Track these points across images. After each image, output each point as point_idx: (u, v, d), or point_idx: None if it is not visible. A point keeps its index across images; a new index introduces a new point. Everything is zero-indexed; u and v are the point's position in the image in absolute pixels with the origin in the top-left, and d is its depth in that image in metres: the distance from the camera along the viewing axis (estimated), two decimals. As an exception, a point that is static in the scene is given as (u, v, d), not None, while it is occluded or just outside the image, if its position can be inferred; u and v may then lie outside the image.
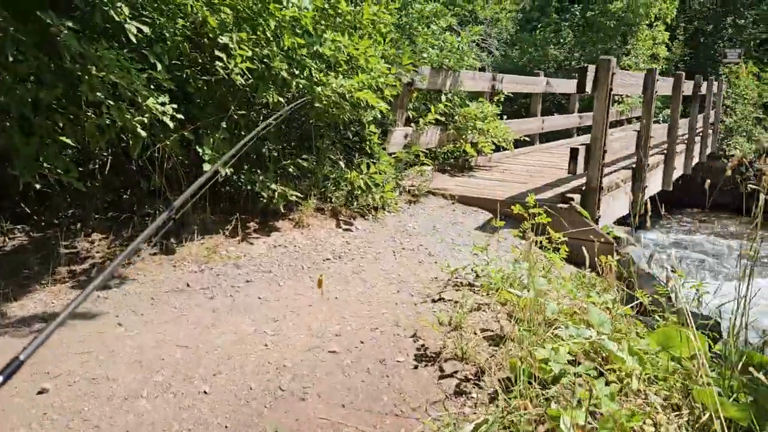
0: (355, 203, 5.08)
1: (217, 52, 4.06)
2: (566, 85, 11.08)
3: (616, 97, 14.85)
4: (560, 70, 18.00)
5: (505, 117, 8.08)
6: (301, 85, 4.51)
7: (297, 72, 4.44)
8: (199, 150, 4.17)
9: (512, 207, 4.28)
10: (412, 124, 6.43)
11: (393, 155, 5.84)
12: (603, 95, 5.29)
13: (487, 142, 7.18)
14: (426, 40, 6.62)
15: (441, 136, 6.93)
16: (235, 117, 4.42)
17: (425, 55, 6.24)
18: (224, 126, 4.38)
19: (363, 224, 4.93)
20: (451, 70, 6.88)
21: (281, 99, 4.38)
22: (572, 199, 5.28)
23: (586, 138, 12.12)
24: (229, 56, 4.10)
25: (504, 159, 8.21)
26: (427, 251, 4.44)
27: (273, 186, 4.58)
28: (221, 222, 4.58)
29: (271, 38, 4.44)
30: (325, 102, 4.69)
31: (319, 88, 4.58)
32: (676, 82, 8.90)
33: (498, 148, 7.79)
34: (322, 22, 4.88)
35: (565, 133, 11.50)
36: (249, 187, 4.59)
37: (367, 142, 5.38)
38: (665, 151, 9.16)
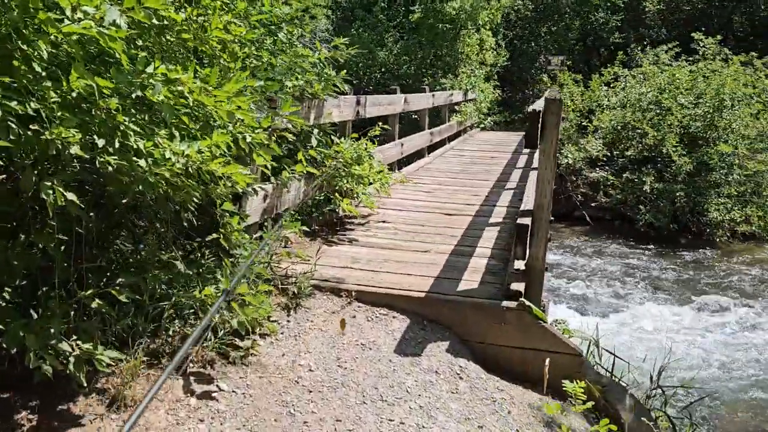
0: (212, 339, 3.12)
1: None
2: (419, 101, 9.84)
3: (456, 107, 14.04)
4: (388, 74, 16.94)
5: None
6: (111, 162, 2.46)
7: (101, 141, 2.38)
8: None
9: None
10: (272, 179, 4.54)
11: (256, 234, 3.94)
12: (551, 148, 3.88)
13: (365, 191, 5.50)
14: (277, 59, 4.73)
15: (308, 189, 5.11)
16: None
17: (288, 83, 4.37)
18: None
19: (231, 377, 3.00)
20: (316, 99, 5.09)
21: (73, 197, 2.31)
22: (520, 293, 3.82)
23: (443, 153, 10.84)
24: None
25: (376, 202, 6.59)
26: (358, 443, 2.66)
27: (63, 345, 2.50)
28: (-40, 424, 2.40)
29: (44, 76, 2.34)
30: (153, 180, 2.69)
31: (143, 163, 2.57)
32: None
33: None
34: (140, 41, 2.84)
35: (418, 154, 10.23)
36: (15, 349, 2.47)
37: (222, 228, 3.42)
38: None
